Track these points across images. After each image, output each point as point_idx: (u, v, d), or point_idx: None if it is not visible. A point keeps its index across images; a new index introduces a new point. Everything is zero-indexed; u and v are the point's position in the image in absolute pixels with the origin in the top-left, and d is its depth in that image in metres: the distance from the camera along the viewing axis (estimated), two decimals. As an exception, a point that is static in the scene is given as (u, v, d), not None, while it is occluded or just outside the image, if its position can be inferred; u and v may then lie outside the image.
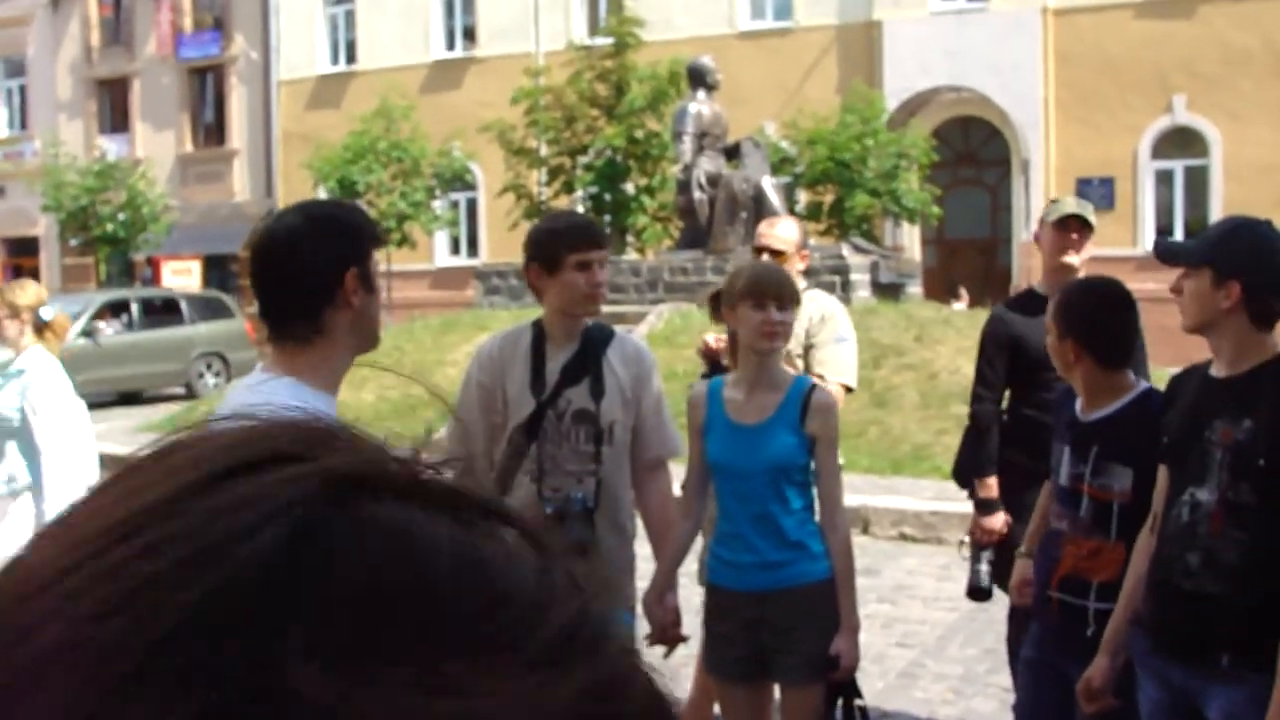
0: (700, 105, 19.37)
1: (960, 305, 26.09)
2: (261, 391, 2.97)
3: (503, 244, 33.43)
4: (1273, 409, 3.68)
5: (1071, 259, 6.21)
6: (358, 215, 3.20)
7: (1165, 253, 3.97)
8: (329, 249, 3.06)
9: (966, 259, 32.86)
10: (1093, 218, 6.26)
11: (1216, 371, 3.89)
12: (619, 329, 5.17)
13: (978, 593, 6.24)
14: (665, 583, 4.98)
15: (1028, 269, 28.57)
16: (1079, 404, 4.55)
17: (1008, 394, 6.36)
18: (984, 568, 6.18)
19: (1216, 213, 29.98)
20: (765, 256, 6.26)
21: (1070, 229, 6.19)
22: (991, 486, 6.26)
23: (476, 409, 4.83)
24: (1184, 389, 4.03)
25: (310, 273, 3.06)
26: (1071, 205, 6.30)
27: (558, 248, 4.72)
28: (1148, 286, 26.09)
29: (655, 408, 4.96)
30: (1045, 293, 6.25)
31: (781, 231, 6.55)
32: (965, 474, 6.55)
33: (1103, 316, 4.48)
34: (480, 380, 4.87)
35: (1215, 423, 3.77)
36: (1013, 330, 6.29)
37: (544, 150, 28.82)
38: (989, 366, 6.37)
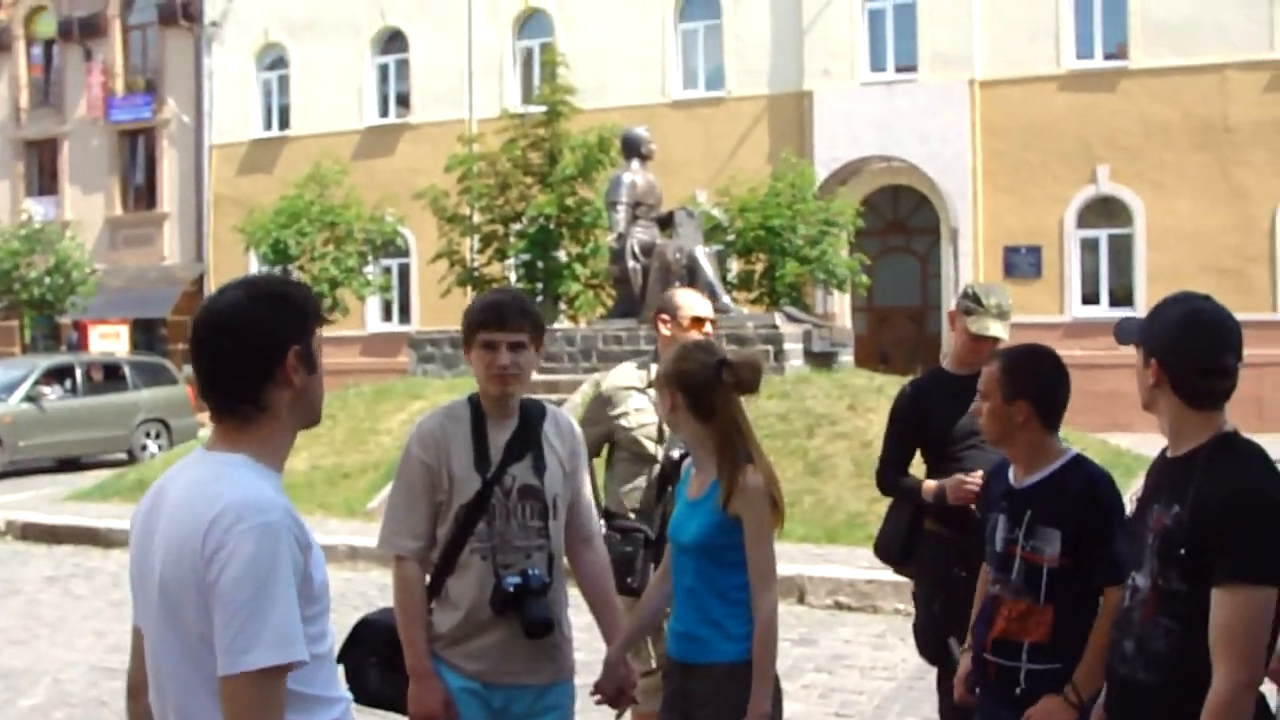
0: (634, 175, 19.43)
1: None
2: (215, 469, 2.95)
3: (435, 311, 33.42)
4: (1197, 495, 3.61)
5: (979, 360, 6.30)
6: (301, 292, 3.13)
7: (1117, 330, 4.03)
8: (270, 327, 3.01)
9: (897, 326, 33.09)
10: (1008, 329, 6.36)
11: (1168, 452, 3.88)
12: (554, 398, 5.30)
13: None
14: (627, 646, 5.06)
15: (956, 336, 28.79)
16: (1012, 473, 4.63)
17: (922, 469, 6.46)
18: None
19: (1140, 281, 30.45)
20: (697, 331, 6.52)
21: (984, 344, 6.30)
22: (926, 488, 6.28)
23: (419, 488, 4.83)
24: (1152, 468, 4.01)
25: (251, 350, 2.99)
26: (990, 323, 6.34)
27: (468, 326, 4.86)
28: (1075, 353, 26.54)
29: (586, 482, 5.09)
30: (954, 371, 6.42)
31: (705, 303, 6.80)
32: (886, 550, 6.66)
33: (1056, 380, 4.61)
34: (423, 459, 4.84)
35: (1155, 506, 3.76)
36: (920, 406, 6.41)
37: (477, 217, 28.79)
38: (891, 440, 6.52)
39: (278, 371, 2.99)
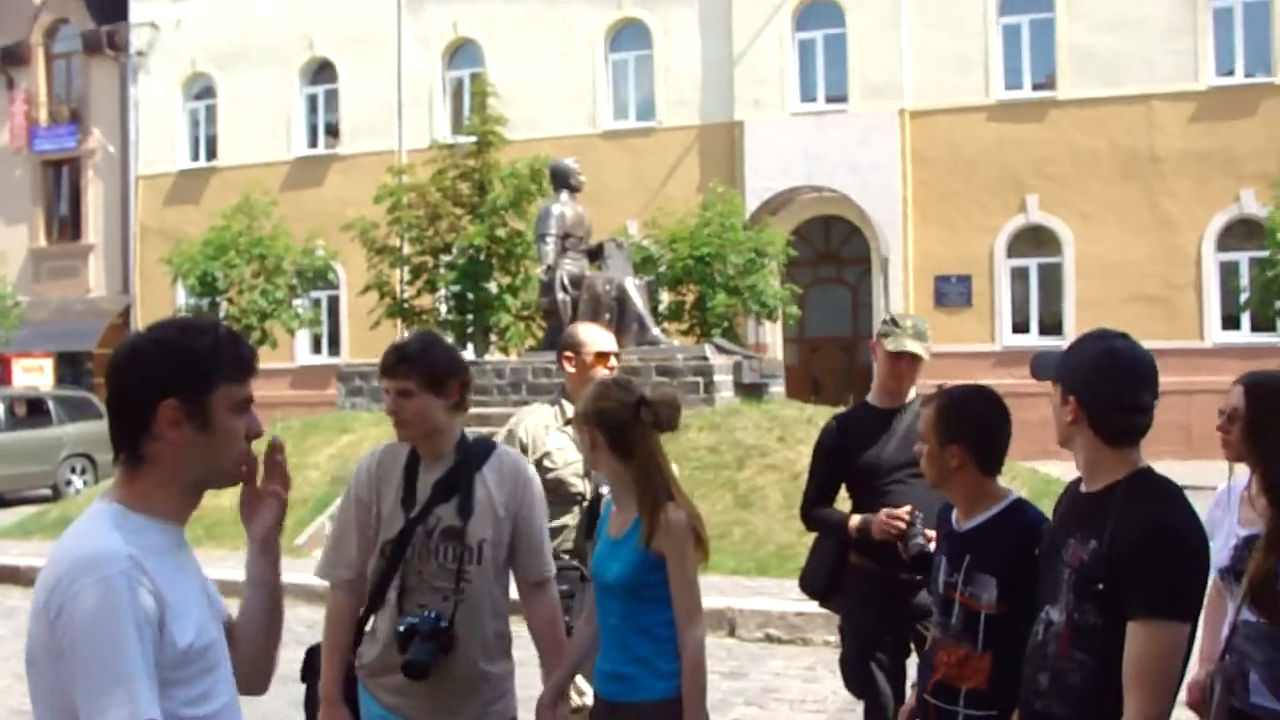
0: (563, 206, 19.43)
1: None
2: (87, 521, 2.85)
3: (365, 343, 33.26)
4: (1114, 531, 3.66)
5: (902, 385, 6.46)
6: (203, 343, 2.92)
7: (1033, 366, 4.04)
8: (145, 376, 2.87)
9: (828, 357, 33.20)
10: (926, 349, 6.43)
11: (1082, 486, 3.92)
12: (484, 431, 5.28)
13: (923, 560, 5.74)
14: (558, 689, 5.07)
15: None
16: (955, 515, 4.61)
17: (849, 505, 6.47)
18: (920, 540, 5.90)
19: (1070, 309, 30.73)
20: (607, 365, 6.61)
21: (901, 360, 6.40)
22: (852, 524, 6.25)
23: (352, 520, 4.96)
24: (1061, 501, 4.04)
25: (124, 399, 2.88)
26: (906, 340, 6.41)
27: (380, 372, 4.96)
28: (1005, 381, 26.67)
29: (534, 527, 5.04)
30: (878, 405, 6.48)
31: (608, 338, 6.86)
32: (812, 584, 6.65)
33: (993, 422, 4.54)
34: (358, 495, 5.00)
35: (1069, 540, 3.80)
36: (845, 441, 6.44)
37: (407, 249, 28.71)
38: (815, 475, 6.53)
39: (152, 424, 2.86)
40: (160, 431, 2.87)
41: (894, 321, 6.50)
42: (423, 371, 4.85)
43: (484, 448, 5.03)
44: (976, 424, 4.51)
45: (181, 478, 2.92)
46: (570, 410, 6.45)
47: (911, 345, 6.38)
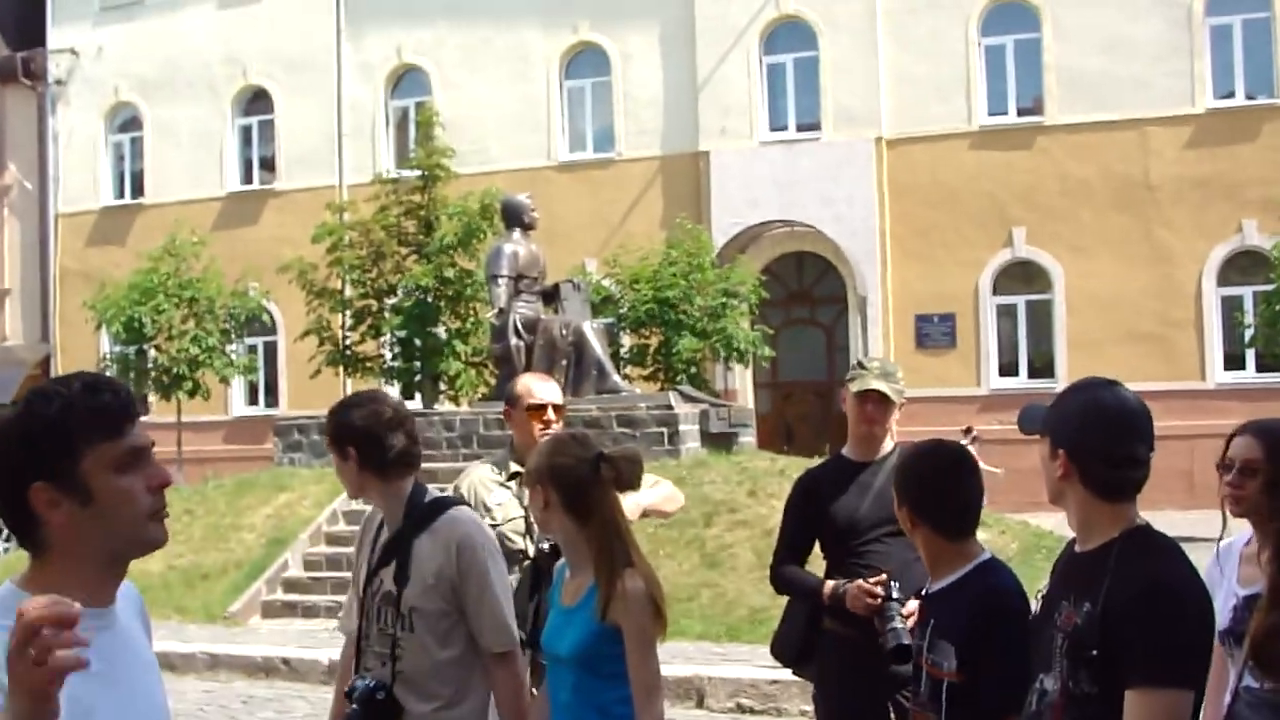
0: (516, 245, 19.47)
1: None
2: None
3: (304, 393, 33.10)
4: (1108, 593, 3.62)
5: (872, 430, 6.43)
6: (46, 408, 2.78)
7: (1021, 419, 4.02)
8: (3, 469, 2.76)
9: (802, 403, 33.32)
10: (897, 391, 6.41)
11: (1076, 546, 3.88)
12: (431, 488, 5.36)
13: (902, 652, 5.63)
14: None
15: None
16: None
17: (823, 565, 6.46)
18: (898, 624, 5.78)
19: (1061, 349, 30.85)
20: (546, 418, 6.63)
21: (868, 401, 6.38)
22: (826, 590, 6.21)
23: (352, 575, 5.45)
24: (1058, 562, 4.00)
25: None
26: (871, 379, 6.42)
27: None
28: (993, 427, 26.76)
29: (481, 597, 5.07)
30: (853, 458, 6.48)
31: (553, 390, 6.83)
32: (784, 650, 6.63)
33: (938, 482, 4.48)
34: (354, 550, 5.53)
35: (1063, 604, 3.77)
36: (817, 497, 6.43)
37: (348, 291, 28.70)
38: (786, 535, 6.52)
39: (32, 511, 2.76)
40: (43, 516, 2.76)
41: (860, 365, 6.57)
42: (334, 434, 5.17)
43: (433, 510, 5.12)
44: (923, 485, 4.50)
45: (87, 557, 2.81)
46: (515, 465, 6.56)
47: (877, 384, 6.37)
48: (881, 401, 6.36)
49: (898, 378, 6.49)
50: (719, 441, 19.96)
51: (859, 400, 6.40)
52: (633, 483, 4.90)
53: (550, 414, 6.61)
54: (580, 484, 4.82)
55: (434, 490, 5.35)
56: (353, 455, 5.05)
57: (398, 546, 5.06)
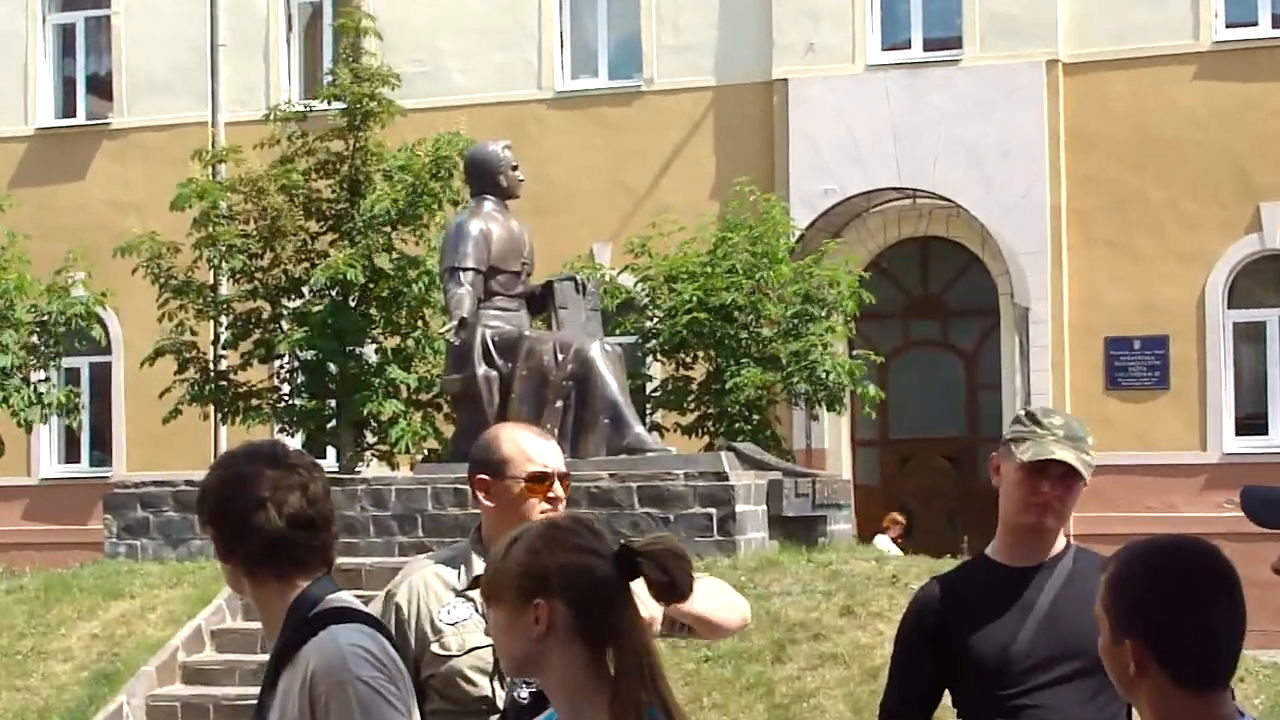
0: (487, 222, 19.55)
1: (885, 545, 26.18)
2: None
3: (153, 445, 33.21)
4: None
5: (1045, 521, 6.38)
6: None
7: (1251, 506, 4.02)
8: None
9: (926, 472, 33.37)
10: (1086, 463, 6.37)
11: None
12: (358, 595, 5.44)
13: None
14: None
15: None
16: None
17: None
18: None
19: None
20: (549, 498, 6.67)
21: (1044, 477, 6.31)
22: None
23: None
24: None
25: None
26: (1050, 443, 6.35)
27: None
28: (1224, 515, 26.57)
29: None
30: (1005, 560, 6.47)
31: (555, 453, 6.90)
32: None
33: (1186, 606, 4.40)
34: None
35: None
36: (949, 620, 6.46)
37: (226, 287, 28.70)
38: (901, 673, 6.55)
39: None
40: None
41: (1031, 418, 6.43)
42: (207, 513, 5.37)
43: (311, 629, 5.26)
44: (1166, 607, 4.45)
45: None
46: (479, 566, 6.41)
47: (1062, 452, 6.34)
48: (1064, 478, 6.32)
49: (1088, 443, 6.44)
50: (797, 530, 19.98)
51: (1030, 475, 6.33)
52: (684, 590, 4.86)
53: (558, 489, 6.65)
54: (604, 595, 4.76)
55: (347, 598, 5.43)
56: (214, 538, 5.26)
57: (269, 672, 5.32)
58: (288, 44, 36.48)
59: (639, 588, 4.81)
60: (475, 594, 6.27)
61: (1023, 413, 6.49)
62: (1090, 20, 32.00)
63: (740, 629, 6.91)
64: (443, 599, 6.68)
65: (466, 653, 6.55)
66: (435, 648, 6.59)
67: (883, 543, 26.65)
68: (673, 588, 4.80)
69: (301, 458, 5.52)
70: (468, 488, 17.68)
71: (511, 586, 4.86)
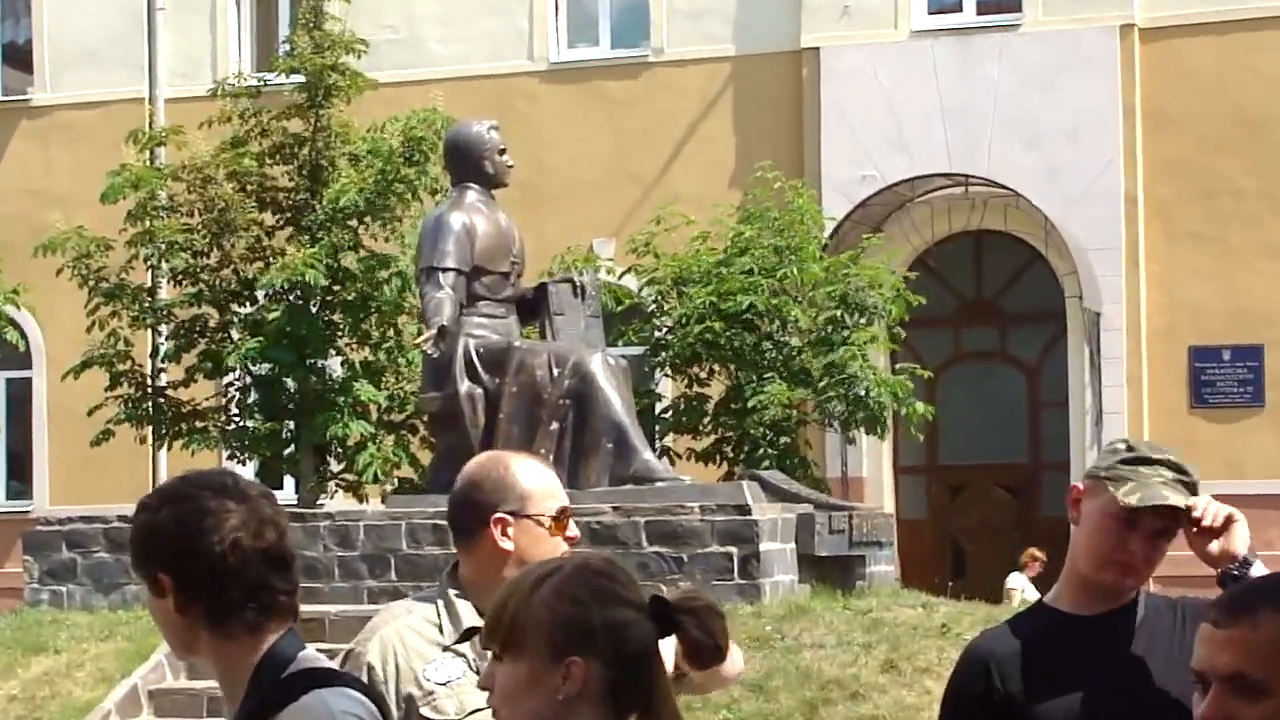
0: (470, 214, 19.53)
1: (1020, 584, 26.24)
2: None
3: (80, 473, 33.28)
4: None
5: (1126, 581, 6.23)
6: None
7: None
8: None
9: (982, 505, 33.35)
10: (1191, 504, 6.16)
11: None
12: (320, 650, 5.39)
13: None
14: None
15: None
16: None
17: None
18: None
19: None
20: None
21: (1137, 527, 6.16)
22: None
23: None
24: None
25: None
26: (1155, 485, 6.14)
27: None
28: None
29: None
30: (1071, 609, 6.31)
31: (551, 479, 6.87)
32: None
33: None
34: None
35: None
36: (1004, 677, 6.33)
37: (165, 291, 28.72)
38: None
39: None
40: None
41: (1134, 451, 6.29)
42: (139, 555, 5.21)
43: (289, 692, 5.10)
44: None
45: None
46: (468, 615, 6.45)
47: (1174, 496, 6.17)
48: (1162, 532, 6.16)
49: (1197, 482, 6.25)
50: (831, 572, 20.00)
51: (1121, 524, 6.27)
52: (722, 650, 4.90)
53: (573, 527, 6.69)
54: (644, 657, 4.74)
55: (313, 655, 5.31)
56: (167, 586, 5.02)
57: None
58: (237, 7, 36.56)
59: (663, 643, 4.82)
60: (466, 648, 6.39)
61: (1122, 444, 6.26)
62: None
63: (735, 681, 7.08)
64: (426, 655, 6.53)
65: (467, 715, 6.50)
66: (427, 711, 6.47)
67: (1017, 581, 26.78)
68: (716, 650, 4.84)
69: (254, 487, 5.39)
70: (442, 521, 17.82)
71: (541, 638, 4.78)
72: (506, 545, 6.52)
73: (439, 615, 6.66)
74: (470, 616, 6.36)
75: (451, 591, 6.69)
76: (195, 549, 4.98)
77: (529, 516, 6.56)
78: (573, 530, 6.62)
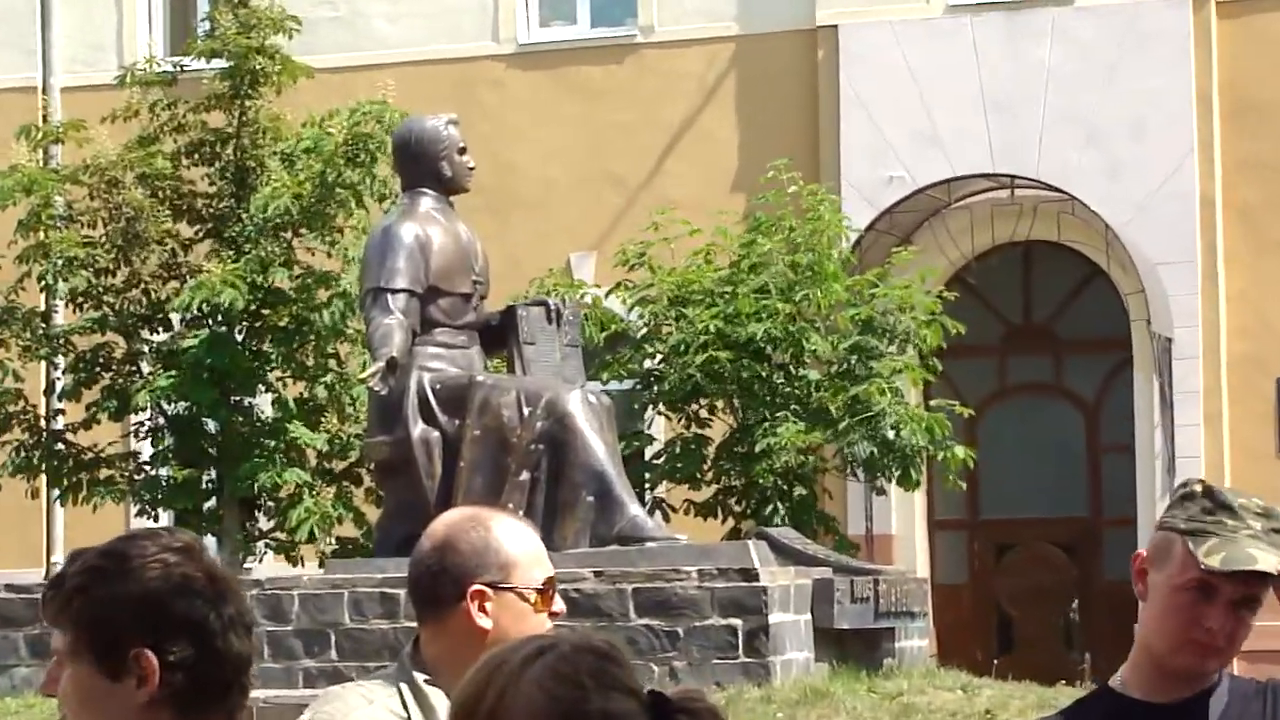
0: (424, 225, 19.46)
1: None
2: None
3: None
4: None
5: (1208, 664, 6.14)
6: None
7: None
8: None
9: (1032, 564, 33.36)
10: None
11: None
12: None
13: None
14: None
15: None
16: None
17: None
18: None
19: None
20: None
21: (1215, 597, 6.04)
22: None
23: None
24: None
25: None
26: (1244, 541, 6.00)
27: None
28: None
29: None
30: (1143, 695, 6.20)
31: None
32: None
33: None
34: None
35: None
36: None
37: (63, 315, 28.67)
38: None
39: None
40: None
41: (1213, 499, 6.11)
42: (77, 622, 4.97)
43: None
44: None
45: None
46: (441, 704, 6.37)
47: (1265, 559, 5.99)
48: (1247, 602, 6.06)
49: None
50: (854, 648, 20.00)
51: (1205, 590, 6.04)
52: None
53: (559, 601, 6.72)
54: None
55: None
56: (149, 667, 4.83)
57: None
58: (151, -20, 36.61)
59: None
60: None
61: (1198, 488, 6.08)
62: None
63: None
64: None
65: None
66: None
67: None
68: None
69: (200, 546, 5.30)
70: (401, 593, 17.79)
71: None
72: (484, 623, 6.52)
73: (405, 706, 6.60)
74: (444, 706, 6.24)
75: (419, 676, 6.65)
76: (188, 619, 4.90)
77: (512, 589, 6.55)
78: (559, 605, 6.71)
